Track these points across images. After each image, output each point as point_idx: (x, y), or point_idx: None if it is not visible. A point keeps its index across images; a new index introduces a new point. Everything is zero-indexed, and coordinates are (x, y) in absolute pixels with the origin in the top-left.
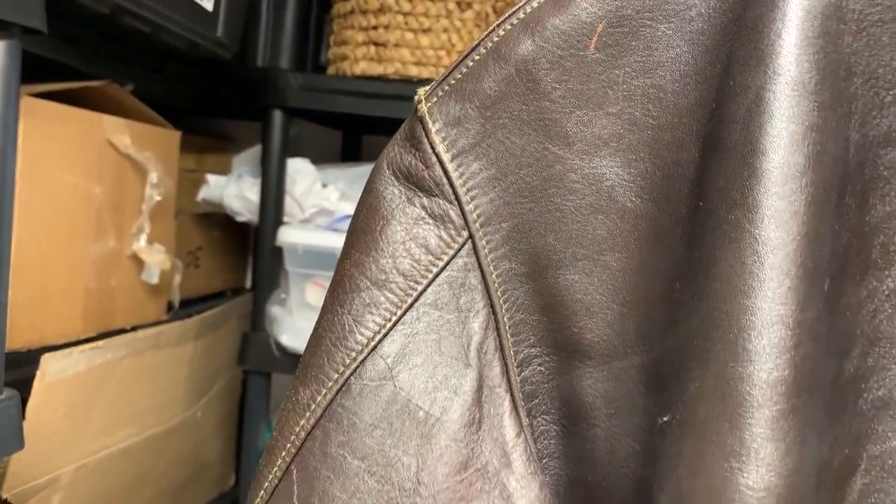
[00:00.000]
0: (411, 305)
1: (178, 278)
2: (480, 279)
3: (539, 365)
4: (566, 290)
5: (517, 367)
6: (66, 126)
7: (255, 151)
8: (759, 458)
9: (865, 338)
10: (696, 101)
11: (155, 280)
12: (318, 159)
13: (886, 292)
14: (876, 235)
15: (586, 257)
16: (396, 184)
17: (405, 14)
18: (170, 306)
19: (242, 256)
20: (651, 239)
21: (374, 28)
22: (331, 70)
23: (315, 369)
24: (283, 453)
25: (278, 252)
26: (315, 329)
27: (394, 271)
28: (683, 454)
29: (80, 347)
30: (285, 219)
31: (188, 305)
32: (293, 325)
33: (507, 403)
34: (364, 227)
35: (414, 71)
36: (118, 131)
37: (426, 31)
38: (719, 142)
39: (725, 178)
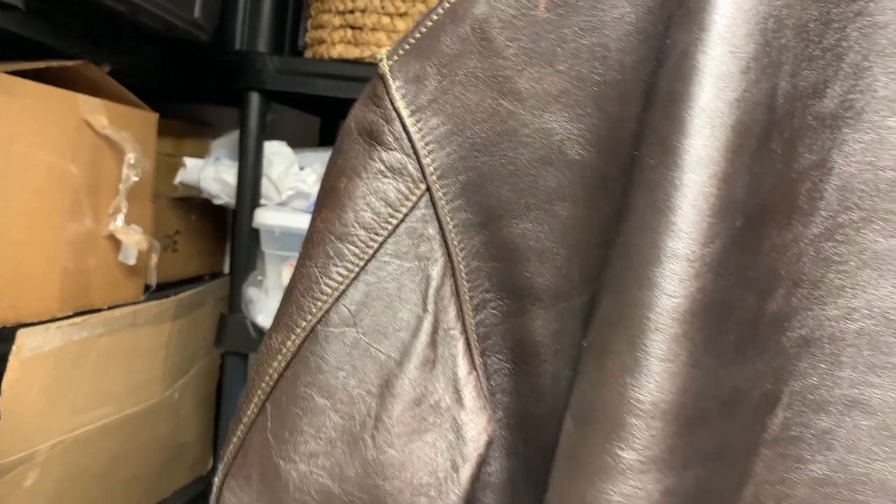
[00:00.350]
0: (373, 256)
1: (154, 259)
2: (438, 229)
3: (493, 308)
4: (519, 239)
5: (472, 310)
6: (41, 104)
7: (233, 136)
8: (651, 376)
9: (790, 279)
10: (640, 59)
11: (132, 261)
12: (297, 145)
13: (810, 237)
14: (802, 182)
15: (538, 207)
16: (360, 141)
17: None
18: (146, 288)
19: (220, 241)
20: (597, 188)
21: (351, 12)
22: (308, 53)
23: (286, 317)
24: (259, 392)
25: (255, 234)
26: (289, 282)
27: (355, 224)
28: (588, 372)
29: (57, 324)
30: (263, 201)
31: (165, 289)
32: (269, 307)
33: (460, 344)
34: (331, 185)
35: None
36: (95, 111)
37: (402, 15)
38: (652, 95)
39: (651, 126)
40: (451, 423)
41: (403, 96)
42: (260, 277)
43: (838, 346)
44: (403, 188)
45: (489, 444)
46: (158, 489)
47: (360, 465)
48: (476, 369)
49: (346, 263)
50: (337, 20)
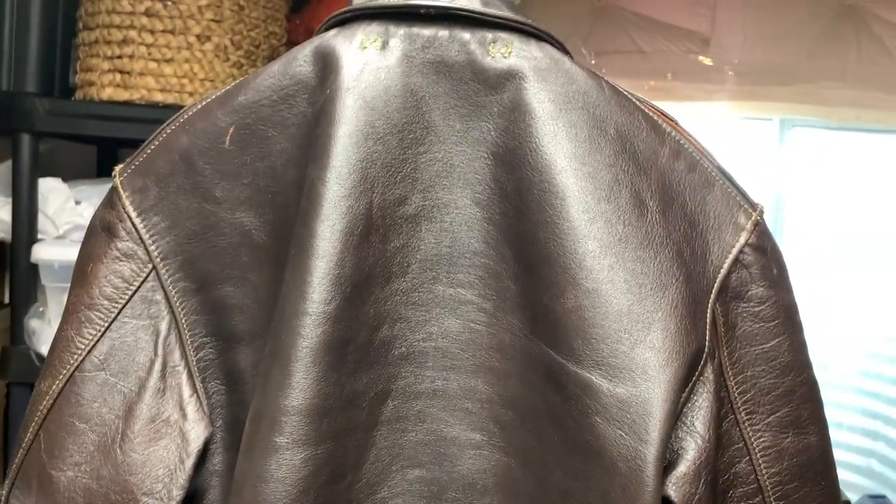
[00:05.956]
0: (115, 318)
1: None
2: (164, 295)
3: (210, 348)
4: (226, 298)
5: (194, 351)
6: None
7: (6, 169)
8: (293, 389)
9: (390, 317)
10: (295, 177)
11: None
12: (75, 174)
13: (403, 290)
14: (395, 257)
15: (237, 276)
16: (102, 234)
17: (148, 45)
18: None
19: (0, 274)
20: (275, 261)
21: (119, 57)
22: (79, 95)
23: (51, 367)
24: (33, 424)
25: (35, 268)
26: (53, 340)
27: (100, 297)
28: (258, 389)
29: None
30: (40, 236)
31: None
32: (53, 337)
33: (184, 376)
34: (81, 268)
35: (159, 97)
36: None
37: (169, 61)
38: (301, 206)
39: (297, 228)
40: (177, 431)
41: (132, 202)
42: (41, 309)
43: (424, 357)
44: (135, 267)
45: (206, 442)
46: None
47: (112, 468)
48: (196, 392)
49: (94, 325)
50: (105, 65)
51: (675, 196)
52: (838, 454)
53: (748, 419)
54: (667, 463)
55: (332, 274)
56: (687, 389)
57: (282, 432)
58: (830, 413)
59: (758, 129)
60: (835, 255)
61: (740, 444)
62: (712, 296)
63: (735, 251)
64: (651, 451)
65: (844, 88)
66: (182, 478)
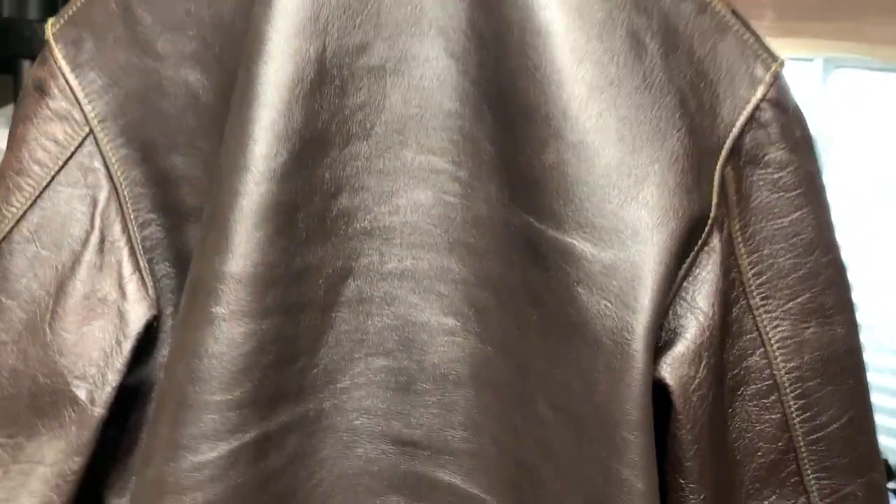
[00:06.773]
0: (48, 185)
1: None
2: (103, 163)
3: (158, 225)
4: (172, 169)
5: (138, 228)
6: None
7: (9, 107)
8: (232, 253)
9: (349, 185)
10: (243, 27)
11: None
12: None
13: (365, 155)
14: (355, 115)
15: (184, 144)
16: (34, 94)
17: None
18: None
19: None
20: (222, 126)
21: None
22: None
23: None
24: None
25: None
26: None
27: (29, 161)
28: (195, 257)
29: None
30: None
31: None
32: None
33: (125, 252)
34: (12, 132)
35: None
36: None
37: None
38: (244, 50)
39: (239, 74)
40: (115, 311)
41: (65, 56)
42: None
43: (390, 233)
44: (70, 130)
45: (150, 326)
46: None
47: (40, 347)
48: (140, 271)
49: (23, 193)
50: None
51: (680, 40)
52: (879, 419)
53: (763, 304)
54: (662, 343)
55: (277, 125)
56: (688, 260)
57: (219, 301)
58: (869, 377)
59: (799, 70)
60: (882, 205)
61: (753, 334)
62: (722, 155)
63: (750, 107)
64: (640, 322)
65: (892, 24)
66: (119, 362)
